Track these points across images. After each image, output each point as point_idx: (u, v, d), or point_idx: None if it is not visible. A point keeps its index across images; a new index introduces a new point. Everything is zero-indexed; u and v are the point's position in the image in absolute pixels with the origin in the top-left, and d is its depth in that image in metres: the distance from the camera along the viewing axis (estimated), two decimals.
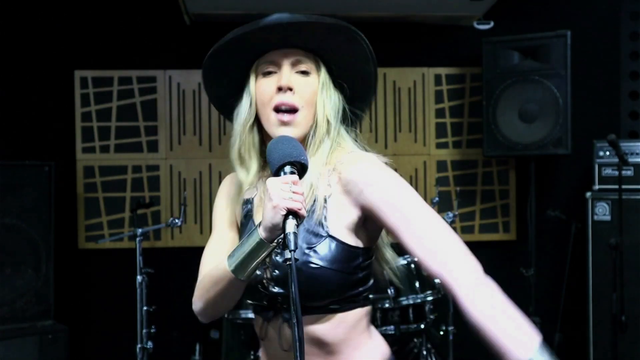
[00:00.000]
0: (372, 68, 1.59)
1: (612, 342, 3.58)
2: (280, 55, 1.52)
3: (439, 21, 4.38)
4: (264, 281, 1.50)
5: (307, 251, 1.45)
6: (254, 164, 1.56)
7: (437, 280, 1.51)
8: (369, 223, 1.52)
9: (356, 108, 1.62)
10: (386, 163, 1.53)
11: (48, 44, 4.28)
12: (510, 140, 4.08)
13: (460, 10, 4.15)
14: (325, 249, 1.46)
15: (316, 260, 1.45)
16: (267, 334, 1.57)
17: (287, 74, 1.51)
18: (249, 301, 1.58)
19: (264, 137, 1.57)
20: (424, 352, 3.72)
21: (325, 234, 1.47)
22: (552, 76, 3.98)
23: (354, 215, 1.50)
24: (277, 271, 1.49)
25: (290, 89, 1.50)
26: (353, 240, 1.50)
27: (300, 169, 1.37)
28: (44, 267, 3.84)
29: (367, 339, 1.59)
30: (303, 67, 1.53)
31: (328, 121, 1.54)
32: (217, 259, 1.51)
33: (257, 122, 1.56)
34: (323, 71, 1.56)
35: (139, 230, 3.64)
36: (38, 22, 4.26)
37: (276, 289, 1.50)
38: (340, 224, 1.49)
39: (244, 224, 1.60)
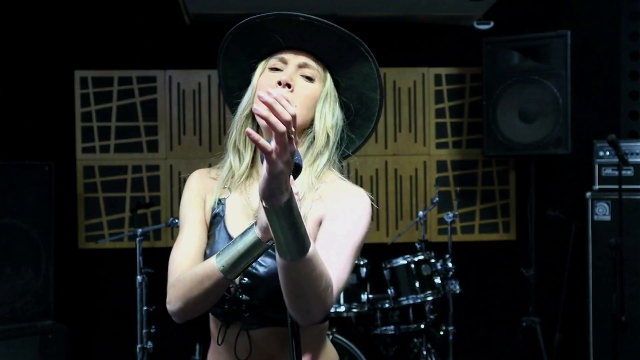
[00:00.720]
0: (378, 96, 1.59)
1: (612, 342, 3.58)
2: (291, 54, 1.54)
3: (439, 21, 4.38)
4: (231, 287, 1.48)
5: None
6: (247, 156, 1.57)
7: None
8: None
9: (355, 134, 1.62)
10: (372, 202, 1.52)
11: (48, 44, 4.28)
12: (510, 140, 4.08)
13: (460, 10, 4.15)
14: None
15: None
16: (224, 339, 1.54)
17: (290, 71, 1.52)
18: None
19: (259, 130, 1.57)
20: (424, 352, 3.72)
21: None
22: (552, 76, 3.98)
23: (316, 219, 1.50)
24: (246, 279, 1.47)
25: (289, 86, 1.50)
26: None
27: (295, 169, 1.38)
28: (44, 267, 3.84)
29: (324, 353, 1.59)
30: (308, 73, 1.54)
31: (328, 135, 1.54)
32: (191, 257, 1.51)
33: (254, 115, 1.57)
34: (329, 82, 1.56)
35: (139, 230, 3.64)
36: (38, 22, 4.26)
37: (243, 297, 1.48)
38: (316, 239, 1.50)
39: (214, 224, 1.57)
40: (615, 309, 3.55)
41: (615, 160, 3.66)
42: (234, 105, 1.64)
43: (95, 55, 4.31)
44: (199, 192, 1.60)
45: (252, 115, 1.56)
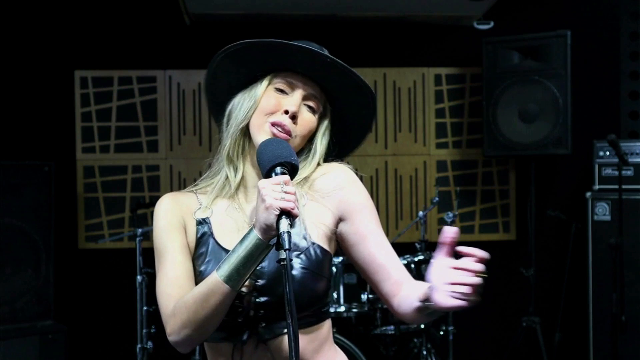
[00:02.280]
0: (370, 128, 1.66)
1: (612, 342, 3.58)
2: (300, 81, 1.55)
3: (439, 21, 4.38)
4: (243, 296, 1.44)
5: (294, 257, 1.45)
6: (241, 166, 1.56)
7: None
8: (341, 226, 1.56)
9: (338, 148, 1.66)
10: (354, 172, 1.61)
11: (48, 44, 4.28)
12: (510, 140, 4.08)
13: (460, 10, 4.15)
14: (311, 254, 1.48)
15: (305, 265, 1.46)
16: None
17: (297, 101, 1.53)
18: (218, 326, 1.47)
19: (251, 144, 1.57)
20: (424, 352, 3.72)
21: (309, 242, 1.49)
22: (552, 76, 3.98)
23: (330, 222, 1.54)
24: (260, 280, 1.45)
25: (295, 117, 1.52)
26: (329, 247, 1.54)
27: (291, 169, 1.39)
28: (44, 267, 3.84)
29: (335, 353, 1.59)
30: (312, 104, 1.56)
31: (318, 162, 1.60)
32: (180, 284, 1.46)
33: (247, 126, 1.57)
34: (328, 117, 1.60)
35: (139, 230, 3.64)
36: (38, 22, 4.26)
37: (262, 299, 1.45)
38: (320, 231, 1.52)
39: (201, 243, 1.53)
40: (615, 309, 3.55)
41: (615, 160, 3.66)
42: (217, 112, 1.63)
43: (95, 55, 4.31)
44: (174, 217, 1.54)
45: (247, 130, 1.55)
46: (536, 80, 4.01)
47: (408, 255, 3.73)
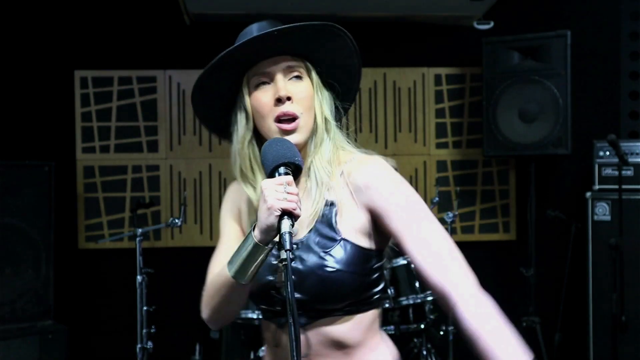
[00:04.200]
0: (355, 60, 1.58)
1: (612, 342, 3.58)
2: (270, 64, 1.49)
3: (439, 21, 4.38)
4: (278, 286, 1.49)
5: (322, 255, 1.46)
6: (259, 179, 1.53)
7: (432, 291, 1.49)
8: (380, 225, 1.50)
9: (342, 102, 1.62)
10: (394, 167, 1.56)
11: (48, 44, 4.28)
12: (510, 140, 4.08)
13: (460, 10, 4.15)
14: (340, 252, 1.46)
15: (332, 264, 1.45)
16: (280, 340, 1.55)
17: (282, 83, 1.49)
18: (262, 306, 1.56)
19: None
20: (424, 352, 3.72)
21: (338, 238, 1.47)
22: (552, 76, 3.98)
23: (363, 217, 1.50)
24: (293, 277, 1.45)
25: (289, 99, 1.48)
26: (366, 242, 1.50)
27: (295, 169, 1.39)
28: (44, 267, 3.84)
29: (380, 340, 1.60)
30: (296, 73, 1.51)
31: (326, 120, 1.55)
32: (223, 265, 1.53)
33: (255, 135, 1.54)
34: (314, 73, 1.55)
35: (139, 230, 3.64)
36: (38, 22, 4.26)
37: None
38: (352, 227, 1.49)
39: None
40: (615, 309, 3.55)
41: (615, 160, 3.66)
42: (218, 131, 1.64)
43: (95, 55, 4.31)
44: (234, 205, 1.63)
45: (254, 140, 1.53)
46: (536, 80, 4.01)
47: (408, 255, 3.72)
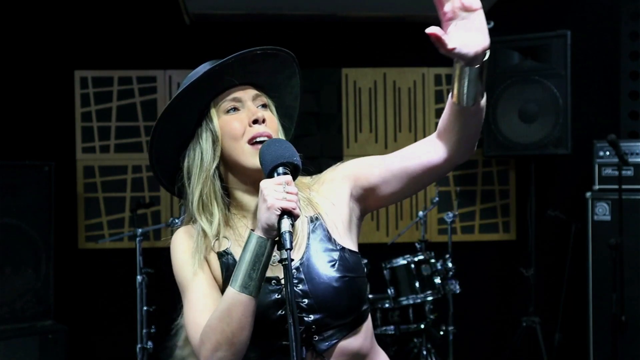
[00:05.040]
0: (297, 104, 1.66)
1: (612, 342, 3.58)
2: (240, 91, 1.53)
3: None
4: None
5: (330, 268, 1.46)
6: (217, 212, 1.51)
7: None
8: (358, 192, 1.55)
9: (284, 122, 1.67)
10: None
11: (48, 44, 4.28)
12: (510, 140, 4.08)
13: None
14: (345, 260, 1.48)
15: (344, 273, 1.47)
16: None
17: (252, 107, 1.52)
18: (271, 346, 1.46)
19: (222, 181, 1.54)
20: (424, 352, 3.72)
21: (338, 247, 1.49)
22: (552, 76, 3.98)
23: (345, 211, 1.54)
24: (306, 300, 1.44)
25: (264, 121, 1.51)
26: (355, 246, 1.54)
27: (293, 169, 1.39)
28: (44, 267, 3.84)
29: (377, 345, 1.63)
30: (263, 101, 1.55)
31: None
32: (210, 311, 1.44)
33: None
34: (272, 104, 1.58)
35: (139, 230, 3.64)
36: (38, 22, 4.26)
37: (312, 317, 1.44)
38: (343, 233, 1.52)
39: (228, 277, 1.45)
40: (615, 309, 3.55)
41: (615, 160, 3.66)
42: (168, 181, 1.60)
43: (95, 55, 4.31)
44: (191, 249, 1.52)
45: (217, 171, 1.52)
46: (536, 80, 4.01)
47: (408, 255, 3.73)
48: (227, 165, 1.53)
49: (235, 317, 1.36)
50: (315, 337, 1.45)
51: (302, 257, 1.47)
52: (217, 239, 1.51)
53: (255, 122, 1.50)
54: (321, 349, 1.46)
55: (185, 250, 1.52)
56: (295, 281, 1.43)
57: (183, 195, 1.56)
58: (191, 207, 1.52)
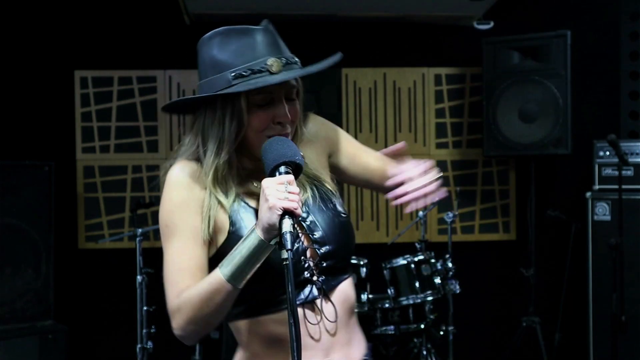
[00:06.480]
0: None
1: (612, 342, 3.58)
2: (277, 87, 1.48)
3: (439, 21, 4.38)
4: (306, 249, 1.49)
5: (331, 206, 1.56)
6: (233, 186, 1.51)
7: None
8: (332, 161, 1.68)
9: None
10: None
11: (48, 44, 4.28)
12: (510, 140, 4.08)
13: (460, 10, 4.15)
14: (340, 202, 1.60)
15: (343, 210, 1.58)
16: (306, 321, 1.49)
17: (284, 109, 1.49)
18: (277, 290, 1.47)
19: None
20: (424, 352, 3.72)
21: (333, 191, 1.60)
22: (552, 76, 3.98)
23: (325, 163, 1.66)
24: (317, 232, 1.51)
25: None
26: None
27: (295, 168, 1.39)
28: (44, 267, 3.84)
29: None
30: (293, 96, 1.53)
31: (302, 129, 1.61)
32: (192, 276, 1.44)
33: None
34: (302, 91, 1.57)
35: (139, 230, 3.65)
36: (38, 22, 4.26)
37: (325, 248, 1.51)
38: (329, 179, 1.63)
39: (234, 232, 1.48)
40: (615, 309, 3.55)
41: (615, 160, 3.66)
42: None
43: (95, 55, 4.31)
44: (192, 194, 1.50)
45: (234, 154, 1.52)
46: (536, 80, 4.01)
47: (408, 255, 3.73)
48: (241, 141, 1.51)
49: (217, 301, 1.40)
50: (321, 277, 1.50)
51: (310, 194, 1.54)
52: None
53: (280, 123, 1.49)
54: (329, 288, 1.51)
55: (182, 195, 1.50)
56: (305, 215, 1.50)
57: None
58: (209, 180, 1.49)
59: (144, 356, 3.60)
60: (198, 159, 1.53)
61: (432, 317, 3.73)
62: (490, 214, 4.52)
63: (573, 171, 4.40)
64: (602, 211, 3.91)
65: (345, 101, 4.44)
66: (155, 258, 3.80)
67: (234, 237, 1.47)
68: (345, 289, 1.56)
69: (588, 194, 3.97)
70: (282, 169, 1.37)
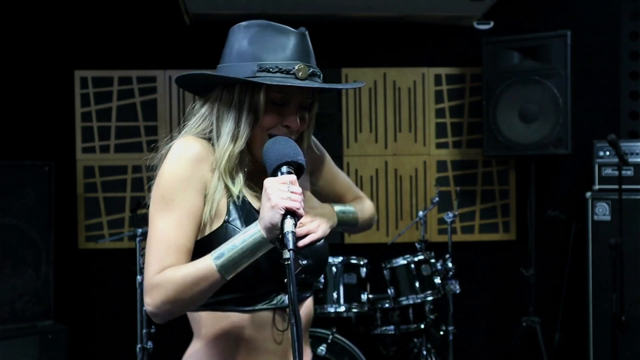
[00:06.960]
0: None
1: (612, 342, 3.58)
2: (297, 91, 1.50)
3: (439, 21, 4.38)
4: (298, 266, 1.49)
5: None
6: (241, 175, 1.52)
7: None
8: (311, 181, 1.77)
9: None
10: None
11: (48, 44, 4.28)
12: (510, 140, 4.08)
13: (460, 10, 4.15)
14: None
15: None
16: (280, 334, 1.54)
17: (296, 115, 1.51)
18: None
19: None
20: (424, 352, 3.72)
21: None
22: (552, 76, 3.98)
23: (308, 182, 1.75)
24: (305, 261, 1.56)
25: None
26: None
27: (297, 168, 1.39)
28: (44, 267, 3.83)
29: None
30: (309, 102, 1.54)
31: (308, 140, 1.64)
32: (179, 256, 1.43)
33: None
34: (316, 104, 1.59)
35: (139, 230, 3.64)
36: (38, 22, 4.26)
37: (304, 262, 1.55)
38: (311, 195, 1.69)
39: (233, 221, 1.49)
40: (615, 309, 3.55)
41: (615, 160, 3.66)
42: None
43: (95, 55, 4.31)
44: (199, 172, 1.50)
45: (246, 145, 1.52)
46: (536, 80, 4.01)
47: (408, 255, 3.73)
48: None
49: (202, 288, 1.39)
50: (303, 275, 1.55)
51: None
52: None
53: (288, 127, 1.50)
54: (299, 300, 1.54)
55: (188, 170, 1.49)
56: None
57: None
58: (220, 169, 1.50)
59: (144, 356, 3.59)
60: (208, 139, 1.54)
61: (432, 317, 3.73)
62: (490, 214, 4.52)
63: (573, 171, 4.40)
64: (602, 211, 3.92)
65: (345, 101, 4.44)
66: None
67: (228, 227, 1.47)
68: (309, 304, 1.62)
69: (588, 194, 3.97)
70: (284, 168, 1.37)
